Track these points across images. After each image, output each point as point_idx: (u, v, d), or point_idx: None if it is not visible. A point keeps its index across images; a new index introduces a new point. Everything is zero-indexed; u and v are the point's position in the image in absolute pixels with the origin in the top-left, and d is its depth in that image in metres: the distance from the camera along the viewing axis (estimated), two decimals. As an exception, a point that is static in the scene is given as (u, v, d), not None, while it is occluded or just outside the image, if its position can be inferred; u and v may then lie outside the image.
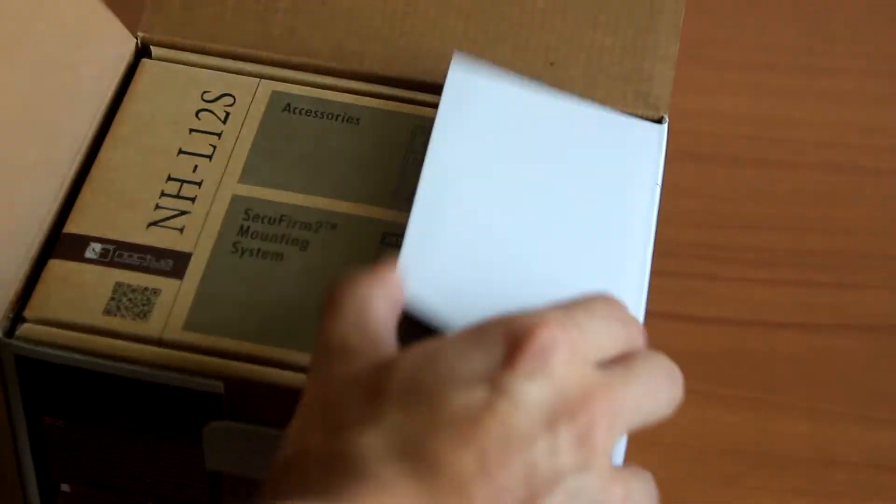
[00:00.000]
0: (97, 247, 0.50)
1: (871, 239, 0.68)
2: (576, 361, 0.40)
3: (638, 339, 0.43)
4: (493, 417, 0.38)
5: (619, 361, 0.41)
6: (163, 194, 0.52)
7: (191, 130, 0.54)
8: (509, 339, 0.39)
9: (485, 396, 0.38)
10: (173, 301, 0.48)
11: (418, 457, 0.38)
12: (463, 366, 0.39)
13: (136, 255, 0.50)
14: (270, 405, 0.48)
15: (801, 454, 0.61)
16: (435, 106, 0.55)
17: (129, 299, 0.48)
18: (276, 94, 0.55)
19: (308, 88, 0.55)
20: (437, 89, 0.55)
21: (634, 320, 0.43)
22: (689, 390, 0.43)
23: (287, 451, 0.40)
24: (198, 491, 0.51)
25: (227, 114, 0.54)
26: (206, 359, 0.47)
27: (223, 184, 0.52)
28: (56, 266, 0.49)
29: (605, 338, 0.42)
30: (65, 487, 0.52)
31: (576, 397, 0.39)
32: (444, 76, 0.55)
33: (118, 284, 0.49)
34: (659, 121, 0.55)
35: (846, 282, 0.67)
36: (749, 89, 0.73)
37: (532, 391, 0.39)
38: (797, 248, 0.67)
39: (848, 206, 0.69)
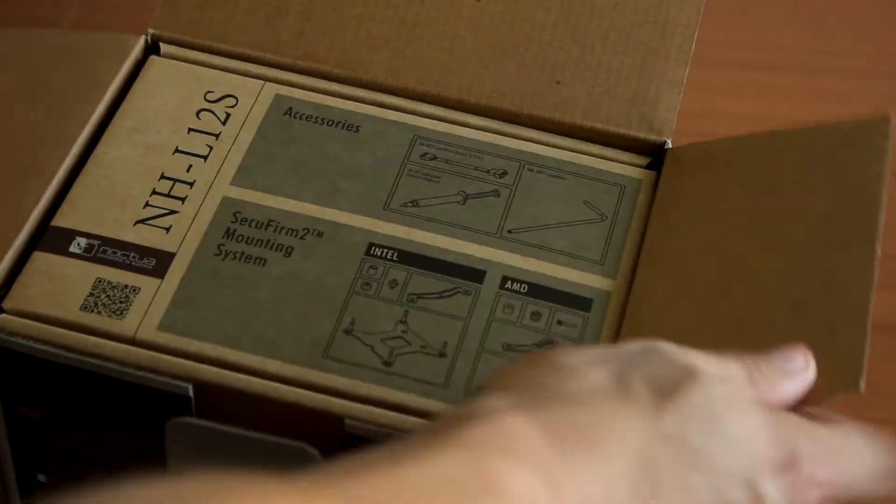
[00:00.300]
0: (82, 241, 0.50)
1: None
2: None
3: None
4: None
5: None
6: (154, 192, 0.52)
7: (189, 130, 0.54)
8: (788, 456, 0.40)
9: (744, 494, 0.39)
10: (151, 300, 0.49)
11: (655, 479, 0.38)
12: (752, 441, 0.39)
13: (119, 252, 0.50)
14: (240, 410, 0.47)
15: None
16: (436, 118, 0.55)
17: (108, 296, 0.49)
18: (278, 98, 0.55)
19: (311, 94, 0.55)
20: (440, 101, 0.55)
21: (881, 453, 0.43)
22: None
23: (552, 358, 0.40)
24: (167, 490, 0.51)
25: (228, 115, 0.54)
26: (176, 360, 0.47)
27: (215, 185, 0.52)
28: (40, 259, 0.49)
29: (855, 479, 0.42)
30: (41, 478, 0.52)
31: None
32: (449, 88, 0.55)
33: (99, 280, 0.49)
34: (662, 145, 0.54)
35: (846, 281, 0.66)
36: (749, 89, 0.72)
37: None
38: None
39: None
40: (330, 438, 0.47)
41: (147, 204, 0.51)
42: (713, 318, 0.49)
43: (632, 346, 0.41)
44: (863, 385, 0.43)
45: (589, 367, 0.39)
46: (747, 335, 0.47)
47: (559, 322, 0.49)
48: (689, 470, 0.38)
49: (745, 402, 0.40)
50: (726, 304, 0.49)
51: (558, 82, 0.55)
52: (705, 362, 0.40)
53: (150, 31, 0.57)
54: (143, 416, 0.48)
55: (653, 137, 0.54)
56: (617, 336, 0.49)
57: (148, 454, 0.50)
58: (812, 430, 0.41)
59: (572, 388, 0.39)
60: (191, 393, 0.47)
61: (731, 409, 0.39)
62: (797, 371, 0.42)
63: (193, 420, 0.47)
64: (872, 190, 0.47)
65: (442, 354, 0.48)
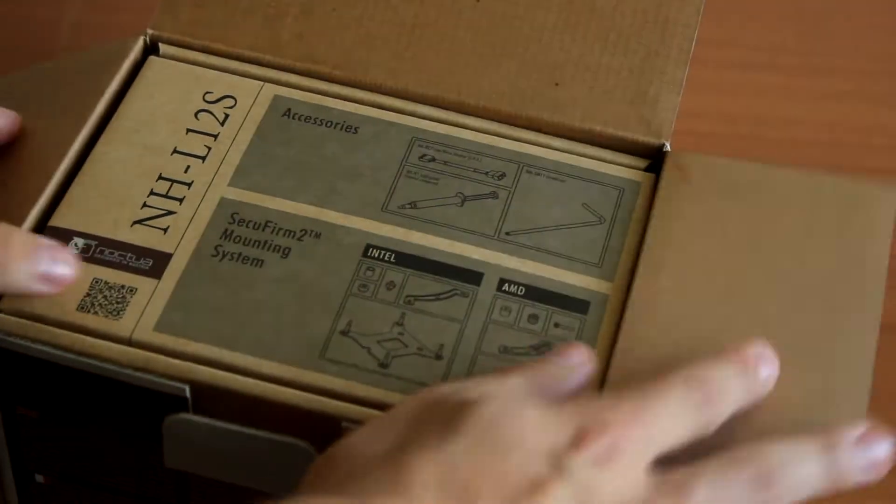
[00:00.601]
0: (80, 242, 0.50)
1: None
2: (637, 464, 0.42)
3: (715, 421, 0.44)
4: (541, 494, 0.41)
5: (687, 464, 0.43)
6: (152, 193, 0.52)
7: (188, 130, 0.54)
8: (581, 427, 0.42)
9: (543, 471, 0.41)
10: (148, 301, 0.49)
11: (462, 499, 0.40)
12: (536, 434, 0.42)
13: (117, 253, 0.50)
14: (236, 411, 0.47)
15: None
16: (435, 120, 0.55)
17: (105, 296, 0.49)
18: (277, 99, 0.55)
19: (310, 95, 0.55)
20: (439, 102, 0.55)
21: (716, 399, 0.45)
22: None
23: (340, 449, 0.43)
24: (164, 490, 0.51)
25: (227, 115, 0.54)
26: (173, 361, 0.47)
27: (213, 186, 0.52)
28: (37, 259, 0.50)
29: (675, 432, 0.43)
30: (39, 479, 0.52)
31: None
32: (448, 89, 0.55)
33: (96, 280, 0.49)
34: (661, 147, 0.54)
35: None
36: (749, 89, 0.72)
37: (589, 483, 0.41)
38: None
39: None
40: (326, 440, 0.47)
41: (145, 204, 0.51)
42: (711, 320, 0.49)
43: (407, 407, 0.44)
44: None
45: (368, 452, 0.42)
46: (745, 337, 0.47)
47: (556, 325, 0.49)
48: (485, 484, 0.41)
49: (519, 406, 0.42)
50: (724, 308, 0.49)
51: (557, 84, 0.55)
52: (478, 388, 0.43)
53: (149, 31, 0.57)
54: (140, 416, 0.48)
55: (651, 140, 0.54)
56: (615, 337, 0.48)
57: (145, 455, 0.50)
58: (611, 401, 0.43)
59: (353, 472, 0.42)
60: (187, 394, 0.47)
61: (505, 418, 0.42)
62: (576, 365, 0.45)
63: (191, 416, 0.47)
64: (877, 257, 0.50)
65: (438, 357, 0.48)
